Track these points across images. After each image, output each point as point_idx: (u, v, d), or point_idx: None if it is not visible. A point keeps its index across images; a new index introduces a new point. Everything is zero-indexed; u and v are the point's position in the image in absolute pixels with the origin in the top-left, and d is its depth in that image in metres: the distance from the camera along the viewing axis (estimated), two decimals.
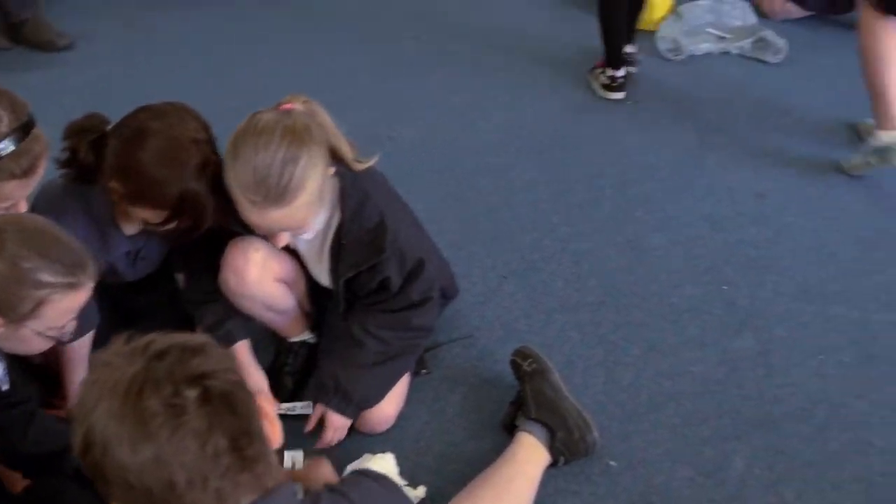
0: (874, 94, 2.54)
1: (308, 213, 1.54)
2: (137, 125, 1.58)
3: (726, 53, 3.35)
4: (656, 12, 3.50)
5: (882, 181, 2.62)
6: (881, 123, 2.53)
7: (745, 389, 1.93)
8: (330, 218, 1.67)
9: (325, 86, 3.08)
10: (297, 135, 1.49)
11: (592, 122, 2.92)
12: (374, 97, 3.03)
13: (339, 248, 1.68)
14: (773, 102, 3.01)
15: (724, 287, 2.21)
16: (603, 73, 3.03)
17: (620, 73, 2.99)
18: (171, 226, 1.61)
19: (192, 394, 0.90)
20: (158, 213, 1.59)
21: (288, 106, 1.56)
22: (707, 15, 3.52)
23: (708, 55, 3.35)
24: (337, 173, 1.61)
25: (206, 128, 1.62)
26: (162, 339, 0.95)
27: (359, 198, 1.65)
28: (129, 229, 1.72)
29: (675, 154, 2.76)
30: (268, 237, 1.65)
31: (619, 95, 3.01)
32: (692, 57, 3.33)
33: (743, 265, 2.29)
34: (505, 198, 2.53)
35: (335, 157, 1.59)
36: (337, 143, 1.60)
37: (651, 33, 3.42)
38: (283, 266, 1.79)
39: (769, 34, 3.34)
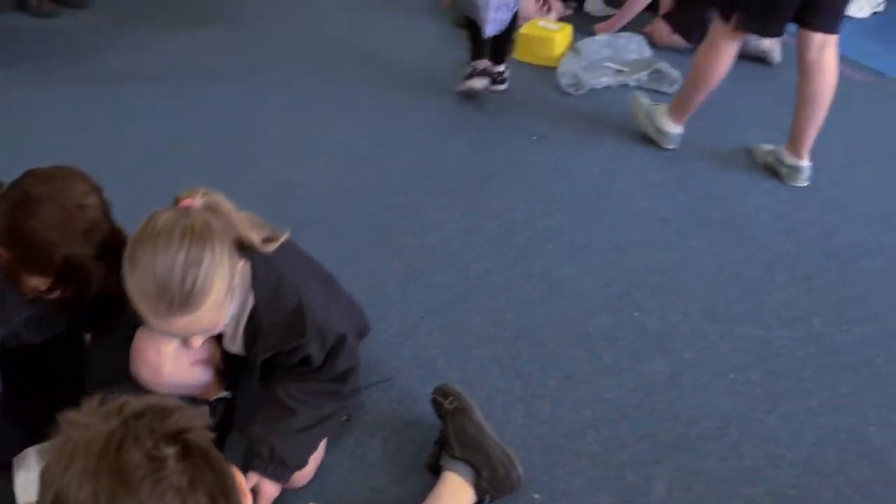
0: (684, 97, 2.92)
1: (218, 314, 1.46)
2: (24, 189, 1.53)
3: (625, 86, 3.47)
4: (556, 49, 3.62)
5: (778, 207, 2.74)
6: (672, 114, 2.96)
7: (661, 412, 1.97)
8: (244, 302, 1.61)
9: (231, 135, 3.07)
10: (197, 234, 1.39)
11: (500, 158, 2.97)
12: (282, 144, 3.02)
13: (256, 330, 1.63)
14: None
15: (636, 313, 2.26)
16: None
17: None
18: (57, 293, 1.56)
19: (171, 450, 0.89)
20: (44, 280, 1.54)
21: (187, 202, 1.46)
22: (604, 50, 3.64)
23: (608, 88, 3.47)
24: (247, 260, 1.55)
25: (96, 190, 1.57)
26: (137, 400, 0.93)
27: (272, 281, 1.60)
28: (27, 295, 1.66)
29: (582, 184, 2.83)
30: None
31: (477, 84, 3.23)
32: (593, 90, 3.44)
33: (652, 290, 2.35)
34: (417, 237, 2.54)
35: (243, 247, 1.51)
36: (243, 233, 1.51)
37: (552, 69, 3.53)
38: (197, 349, 1.72)
39: (664, 66, 3.48)
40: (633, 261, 2.47)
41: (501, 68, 3.31)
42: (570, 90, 3.44)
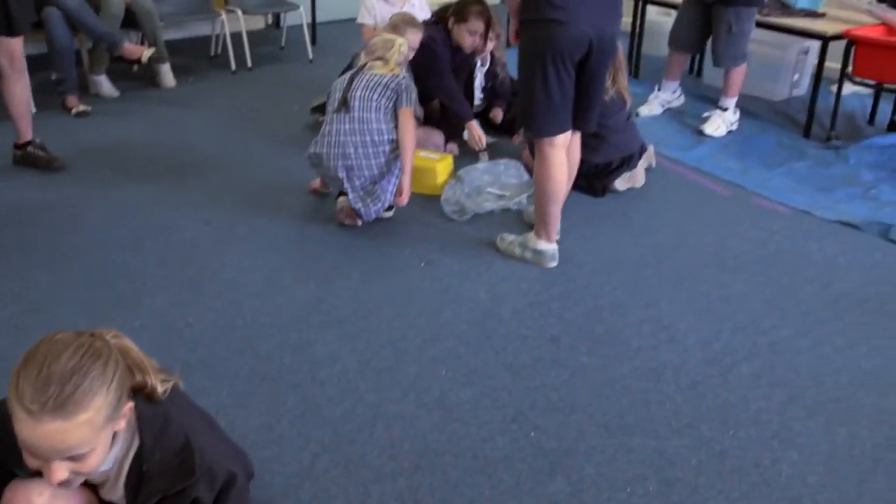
0: (540, 213, 3.13)
1: (92, 437, 1.42)
2: None
3: (507, 209, 3.60)
4: (438, 178, 3.74)
5: (659, 318, 2.86)
6: (540, 234, 3.16)
7: None
8: (129, 444, 1.57)
9: (114, 278, 3.00)
10: (93, 350, 1.43)
11: (390, 286, 3.01)
12: (169, 286, 2.98)
13: (140, 475, 1.57)
14: (559, 253, 3.25)
15: (532, 433, 2.28)
16: None
17: None
18: None
19: None
20: None
21: (98, 332, 1.50)
22: (485, 176, 3.80)
23: (491, 213, 3.59)
24: (135, 402, 1.54)
25: None
26: None
27: (159, 422, 1.58)
28: None
29: (472, 308, 2.88)
30: (43, 472, 1.52)
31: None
32: (477, 216, 3.56)
33: (547, 409, 2.38)
34: (311, 373, 2.51)
35: (136, 389, 1.53)
36: (140, 375, 1.54)
37: (436, 197, 3.64)
38: (72, 501, 1.64)
39: None
40: (526, 381, 2.50)
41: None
42: (455, 216, 3.55)
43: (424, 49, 3.92)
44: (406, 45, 3.57)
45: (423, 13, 4.53)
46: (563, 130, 3.01)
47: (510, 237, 3.29)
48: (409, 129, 3.35)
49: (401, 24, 3.79)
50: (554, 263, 3.18)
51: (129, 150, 4.19)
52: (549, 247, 3.18)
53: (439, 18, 4.08)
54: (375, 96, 3.33)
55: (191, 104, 4.86)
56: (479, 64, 4.38)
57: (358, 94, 3.33)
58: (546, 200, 3.10)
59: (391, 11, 4.46)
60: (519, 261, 3.22)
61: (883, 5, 4.60)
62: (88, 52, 4.92)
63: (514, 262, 3.21)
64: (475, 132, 3.99)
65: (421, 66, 3.98)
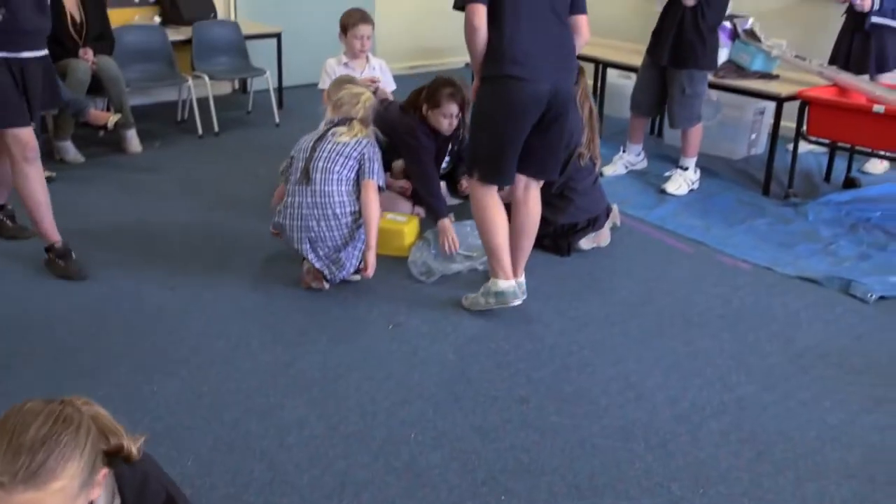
0: (488, 253, 3.22)
1: None
2: None
3: (474, 270, 3.62)
4: (406, 240, 3.76)
5: (627, 375, 2.87)
6: (496, 273, 3.21)
7: None
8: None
9: (77, 346, 2.96)
10: (64, 417, 1.39)
11: (358, 349, 3.00)
12: (133, 353, 2.94)
13: None
14: (526, 313, 3.27)
15: (503, 497, 2.26)
16: None
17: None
18: None
19: None
20: None
21: (68, 399, 1.47)
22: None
23: (458, 274, 3.61)
24: (113, 464, 1.51)
25: None
26: None
27: (139, 480, 1.56)
28: None
29: (441, 370, 2.88)
30: None
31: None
32: (444, 276, 3.57)
33: (517, 471, 2.37)
34: (278, 439, 2.48)
35: (112, 453, 1.49)
36: (114, 439, 1.50)
37: (404, 259, 3.65)
38: None
39: None
40: (495, 443, 2.49)
41: None
42: (423, 278, 3.56)
43: (409, 138, 3.95)
44: (372, 99, 3.58)
45: (385, 77, 4.61)
46: (506, 182, 3.18)
47: (470, 295, 3.33)
48: (372, 201, 3.35)
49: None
50: (518, 301, 3.23)
51: (93, 215, 4.16)
52: (509, 284, 3.21)
53: (413, 105, 4.09)
54: (337, 168, 3.33)
55: (157, 169, 4.86)
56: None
57: (320, 165, 3.32)
58: (488, 235, 3.20)
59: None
60: (486, 311, 3.24)
61: (833, 67, 4.76)
62: (53, 118, 4.92)
63: (481, 322, 3.21)
64: (448, 235, 3.73)
65: (403, 150, 4.04)
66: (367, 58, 4.58)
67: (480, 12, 2.93)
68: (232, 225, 4.09)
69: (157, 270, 3.55)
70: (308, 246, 3.34)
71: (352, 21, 4.47)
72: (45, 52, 3.42)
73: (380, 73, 4.55)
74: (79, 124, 4.89)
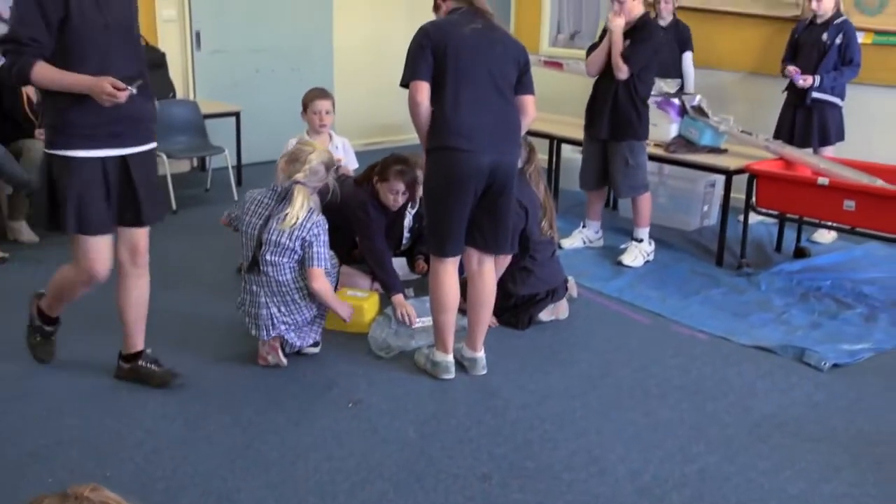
0: (434, 324, 3.34)
1: None
2: None
3: (433, 345, 3.61)
4: (365, 316, 3.76)
5: (590, 448, 2.87)
6: (437, 345, 3.36)
7: None
8: None
9: (31, 427, 2.88)
10: None
11: (318, 428, 2.95)
12: (86, 436, 2.86)
13: None
14: (487, 387, 3.25)
15: None
16: None
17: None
18: None
19: None
20: None
21: (74, 489, 1.43)
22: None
23: (418, 349, 3.59)
24: None
25: None
26: None
27: None
28: None
29: (401, 448, 2.84)
30: None
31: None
32: (403, 352, 3.56)
33: None
34: None
35: None
36: None
37: (364, 335, 3.64)
38: None
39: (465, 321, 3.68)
40: None
41: None
42: (382, 354, 3.54)
43: (360, 212, 4.00)
44: (319, 159, 3.39)
45: (348, 156, 4.67)
46: (455, 253, 3.24)
47: (423, 351, 3.44)
48: (321, 288, 3.34)
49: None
50: (448, 376, 3.32)
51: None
52: (444, 358, 3.33)
53: (366, 179, 4.16)
54: (286, 260, 3.32)
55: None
56: (409, 206, 4.49)
57: (268, 258, 3.32)
58: (437, 311, 3.30)
59: None
60: (448, 387, 3.28)
61: (778, 141, 4.93)
62: (8, 198, 4.87)
63: (442, 397, 3.20)
64: (401, 309, 3.75)
65: (355, 224, 4.07)
66: (331, 136, 4.65)
67: (422, 88, 3.07)
68: (190, 303, 4.05)
69: (112, 351, 3.48)
70: (266, 333, 3.35)
71: (310, 97, 4.57)
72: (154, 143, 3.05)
73: (342, 152, 4.63)
74: (33, 204, 4.85)
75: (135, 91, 2.67)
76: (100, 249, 2.94)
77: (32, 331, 3.35)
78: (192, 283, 4.31)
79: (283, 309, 3.35)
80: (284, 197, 3.36)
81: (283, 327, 3.35)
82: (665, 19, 5.65)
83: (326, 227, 3.40)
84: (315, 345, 3.49)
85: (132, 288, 3.13)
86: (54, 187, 2.85)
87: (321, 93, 4.61)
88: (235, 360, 3.46)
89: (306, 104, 4.57)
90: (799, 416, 3.13)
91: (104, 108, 2.68)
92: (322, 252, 3.35)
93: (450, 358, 3.34)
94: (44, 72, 2.66)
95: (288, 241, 3.31)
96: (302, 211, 3.32)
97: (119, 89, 2.62)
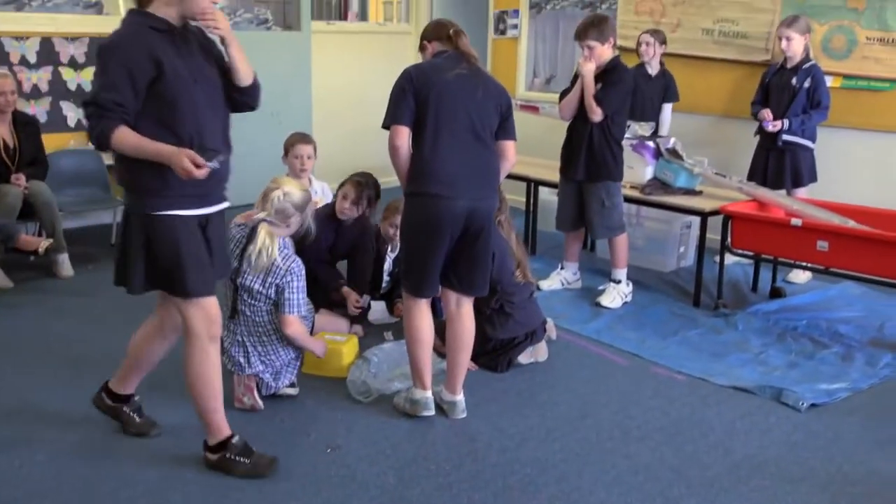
0: (410, 362, 3.33)
1: None
2: None
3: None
4: (344, 360, 3.73)
5: (570, 494, 2.85)
6: (415, 382, 3.35)
7: None
8: None
9: (2, 482, 2.83)
10: None
11: (294, 475, 2.91)
12: (60, 485, 2.81)
13: None
14: (466, 431, 3.23)
15: None
16: None
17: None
18: None
19: None
20: None
21: None
22: (392, 355, 3.80)
23: (398, 392, 3.57)
24: None
25: None
26: None
27: None
28: None
29: (380, 495, 2.81)
30: None
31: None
32: (383, 396, 3.53)
33: None
34: None
35: None
36: None
37: (342, 379, 3.62)
38: None
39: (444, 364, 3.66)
40: None
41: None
42: (361, 398, 3.52)
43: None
44: (284, 196, 3.33)
45: (326, 199, 4.69)
46: (430, 293, 3.28)
47: (402, 394, 3.44)
48: (294, 331, 3.34)
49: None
50: (428, 413, 3.33)
51: (21, 342, 4.05)
52: (423, 395, 3.34)
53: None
54: (262, 304, 3.33)
55: (89, 294, 4.77)
56: (388, 249, 4.51)
57: (245, 307, 3.34)
58: (411, 348, 3.32)
59: None
60: (427, 431, 3.26)
61: (752, 183, 5.00)
62: None
63: (421, 442, 3.17)
64: (351, 297, 4.18)
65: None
66: (310, 180, 4.67)
67: (401, 133, 3.11)
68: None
69: (86, 398, 3.43)
70: (241, 367, 3.35)
71: (291, 142, 4.63)
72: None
73: (322, 196, 4.66)
74: (8, 250, 4.81)
75: (217, 166, 2.57)
76: (215, 306, 2.81)
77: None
78: None
79: (259, 349, 3.36)
80: (252, 236, 3.31)
81: (260, 367, 3.33)
82: (654, 68, 5.72)
83: (303, 272, 3.39)
84: (292, 386, 3.47)
85: (166, 343, 3.08)
86: (154, 250, 2.69)
87: (303, 137, 4.65)
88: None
89: (287, 148, 4.61)
90: (778, 457, 3.13)
91: None
92: (295, 298, 3.33)
93: (428, 394, 3.34)
94: (124, 138, 2.52)
95: (262, 288, 3.30)
96: (273, 252, 3.26)
97: (198, 165, 2.49)
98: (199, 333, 2.78)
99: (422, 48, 3.35)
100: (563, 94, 4.84)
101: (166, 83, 2.56)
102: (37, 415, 3.31)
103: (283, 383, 3.42)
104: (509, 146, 3.26)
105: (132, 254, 2.70)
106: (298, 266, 3.35)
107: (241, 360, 3.34)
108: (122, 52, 2.54)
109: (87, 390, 3.26)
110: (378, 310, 4.43)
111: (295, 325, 3.34)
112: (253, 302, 3.32)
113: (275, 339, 3.36)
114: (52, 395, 3.47)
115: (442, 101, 3.09)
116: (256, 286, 3.30)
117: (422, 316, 3.28)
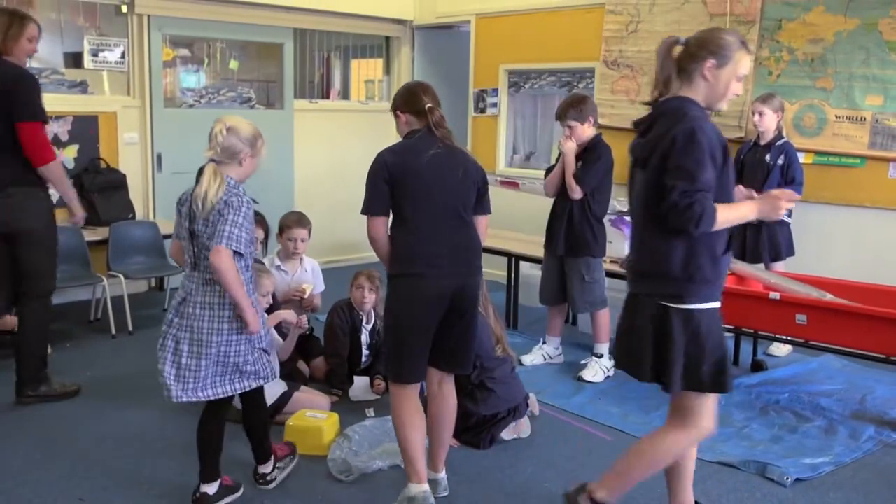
0: (402, 454, 3.17)
1: None
2: None
3: (396, 466, 3.54)
4: (324, 438, 3.68)
5: None
6: (409, 476, 3.14)
7: None
8: None
9: None
10: None
11: None
12: None
13: None
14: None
15: None
16: None
17: None
18: None
19: None
20: None
21: None
22: (374, 432, 3.76)
23: (380, 471, 3.52)
24: None
25: None
26: None
27: None
28: None
29: None
30: None
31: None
32: (364, 475, 3.47)
33: None
34: None
35: None
36: None
37: (322, 457, 3.56)
38: None
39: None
40: None
41: (268, 468, 3.34)
42: (342, 476, 3.46)
43: None
44: (228, 130, 3.05)
45: (316, 280, 4.70)
46: (416, 379, 3.18)
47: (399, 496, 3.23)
48: (221, 263, 2.84)
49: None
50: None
51: None
52: (419, 490, 3.13)
53: None
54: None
55: (67, 371, 4.69)
56: (363, 321, 4.50)
57: (203, 259, 2.96)
58: (400, 438, 3.16)
59: (284, 279, 4.61)
60: (385, 495, 3.18)
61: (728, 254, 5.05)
62: None
63: None
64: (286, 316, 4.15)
65: None
66: (301, 259, 4.69)
67: (377, 224, 3.08)
68: (143, 429, 3.94)
69: (63, 479, 3.36)
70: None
71: (288, 223, 4.66)
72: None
73: (311, 274, 4.70)
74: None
75: None
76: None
77: None
78: (144, 406, 4.19)
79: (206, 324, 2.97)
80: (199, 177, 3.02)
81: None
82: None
83: (246, 209, 2.97)
84: (266, 483, 3.35)
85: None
86: (705, 347, 2.75)
87: (299, 220, 4.68)
88: (191, 485, 3.34)
89: (283, 229, 4.63)
90: None
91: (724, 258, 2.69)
92: (228, 230, 2.85)
93: (425, 487, 3.13)
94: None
95: (205, 229, 2.92)
96: (219, 191, 2.93)
97: None
98: (704, 425, 2.89)
99: (396, 117, 3.27)
100: (549, 171, 4.93)
101: None
102: (7, 496, 3.22)
103: (246, 386, 3.10)
104: (483, 221, 3.26)
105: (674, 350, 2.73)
106: (240, 200, 2.95)
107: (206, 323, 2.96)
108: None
109: (61, 471, 3.19)
110: (359, 386, 4.39)
111: (223, 257, 2.82)
112: (206, 251, 2.92)
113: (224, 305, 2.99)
114: (23, 474, 3.38)
115: (419, 184, 3.05)
116: (205, 229, 2.93)
117: (410, 407, 3.14)
